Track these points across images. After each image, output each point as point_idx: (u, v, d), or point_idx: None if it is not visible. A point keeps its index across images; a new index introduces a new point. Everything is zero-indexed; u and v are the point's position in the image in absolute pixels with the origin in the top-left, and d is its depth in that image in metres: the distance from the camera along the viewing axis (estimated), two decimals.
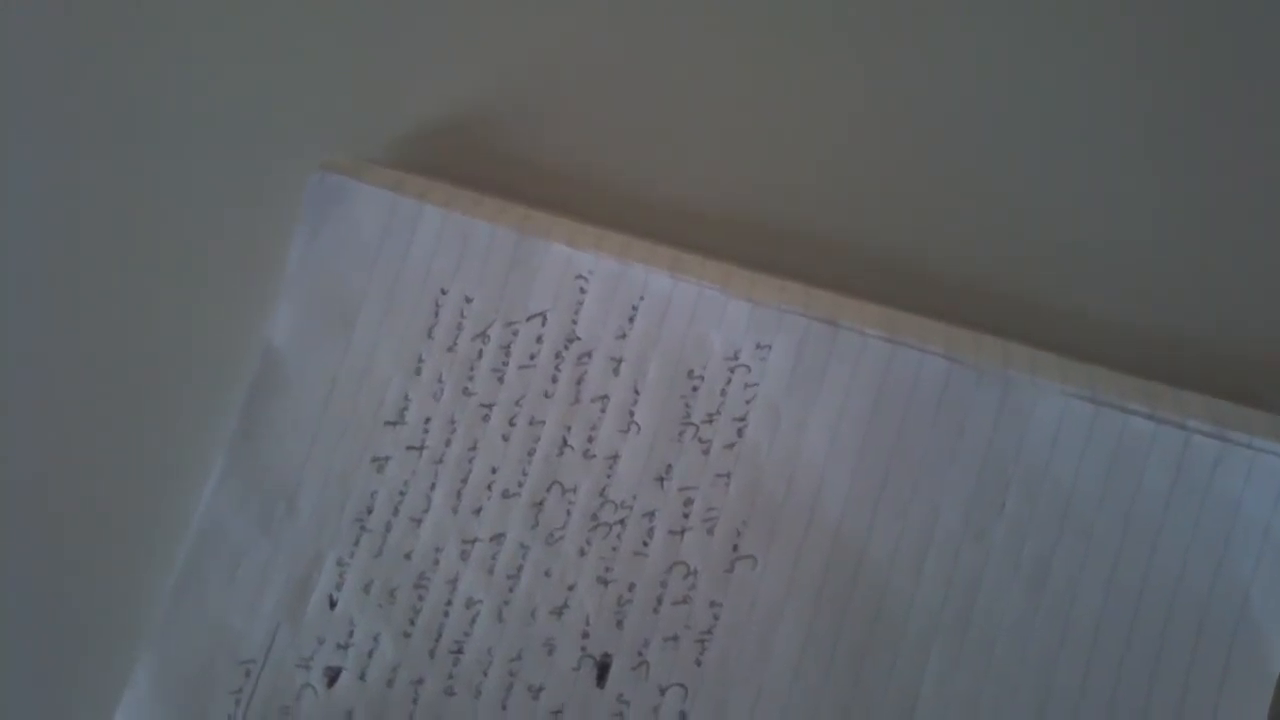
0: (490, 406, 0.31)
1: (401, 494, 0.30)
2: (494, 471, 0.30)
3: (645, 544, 0.30)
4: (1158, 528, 0.29)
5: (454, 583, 0.30)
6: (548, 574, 0.30)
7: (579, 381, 0.30)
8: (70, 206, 0.33)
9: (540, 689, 0.29)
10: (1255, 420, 0.29)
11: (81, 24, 0.34)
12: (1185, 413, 0.29)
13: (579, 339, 0.31)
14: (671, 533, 0.30)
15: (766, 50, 0.33)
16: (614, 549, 0.30)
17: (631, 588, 0.30)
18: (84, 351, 0.33)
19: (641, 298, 0.31)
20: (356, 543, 0.30)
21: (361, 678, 0.30)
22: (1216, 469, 0.29)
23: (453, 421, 0.31)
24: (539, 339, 0.31)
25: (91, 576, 0.32)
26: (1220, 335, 0.31)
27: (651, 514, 0.30)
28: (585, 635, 0.30)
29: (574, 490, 0.30)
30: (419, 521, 0.30)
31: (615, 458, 0.30)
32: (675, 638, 0.29)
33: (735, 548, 0.30)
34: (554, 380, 0.31)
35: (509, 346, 0.31)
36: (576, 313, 0.31)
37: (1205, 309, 0.31)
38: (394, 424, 0.31)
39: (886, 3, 0.32)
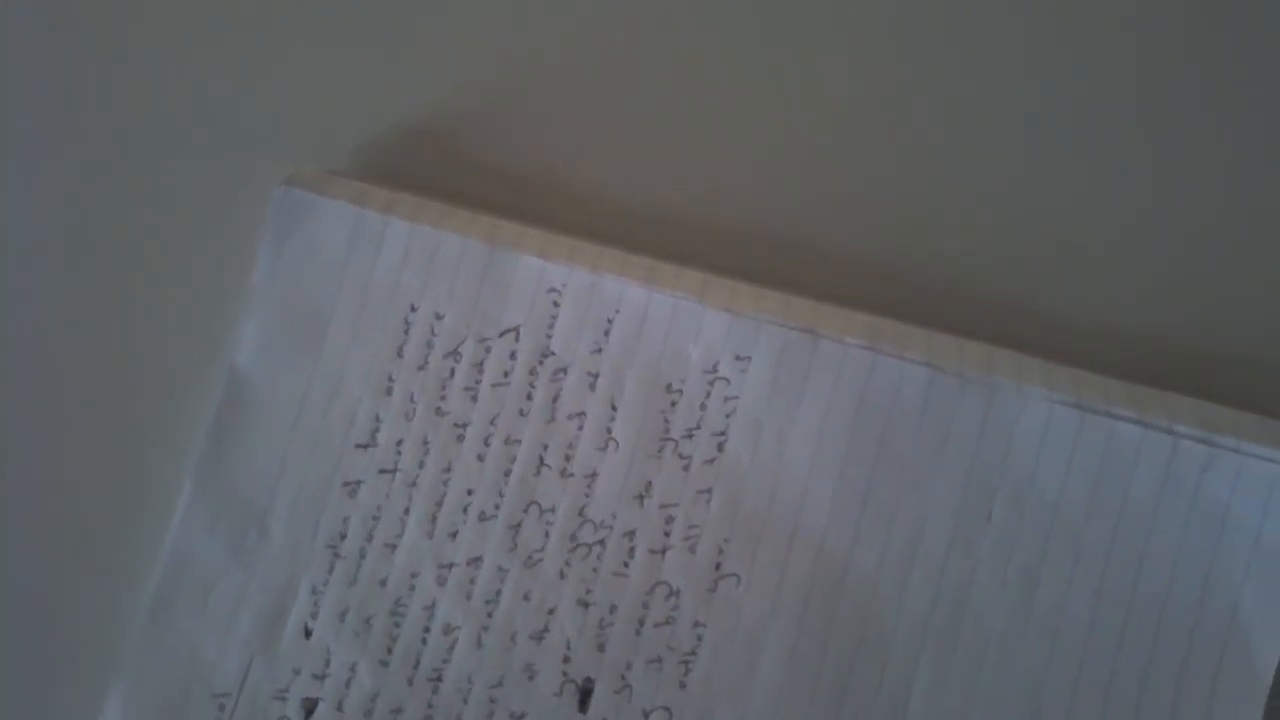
0: (464, 426, 0.30)
1: (375, 518, 0.30)
2: (469, 493, 0.30)
3: (626, 564, 0.29)
4: (1146, 534, 0.28)
5: (431, 609, 0.29)
6: (527, 597, 0.29)
7: (555, 398, 0.30)
8: (24, 222, 0.32)
9: (522, 715, 0.29)
10: (1244, 424, 0.29)
11: (33, 36, 0.33)
12: (1173, 417, 0.29)
13: (554, 354, 0.30)
14: (653, 552, 0.29)
15: (742, 51, 0.32)
16: (594, 570, 0.29)
17: (613, 609, 0.29)
18: (41, 373, 0.32)
19: (617, 310, 0.30)
20: (330, 569, 0.30)
21: (339, 708, 0.29)
22: (1205, 474, 0.28)
23: (425, 442, 0.30)
24: (512, 355, 0.30)
25: (59, 607, 0.31)
26: (1207, 337, 0.30)
27: (632, 533, 0.29)
28: (566, 659, 0.29)
29: (552, 510, 0.29)
30: (394, 547, 0.30)
31: (594, 476, 0.29)
32: (659, 660, 0.29)
33: (718, 566, 0.29)
34: (529, 398, 0.30)
35: (482, 364, 0.30)
36: (550, 327, 0.30)
37: (1192, 311, 0.30)
38: (365, 446, 0.30)
39: (862, 1, 0.31)
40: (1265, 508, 0.28)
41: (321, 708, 0.29)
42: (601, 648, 0.29)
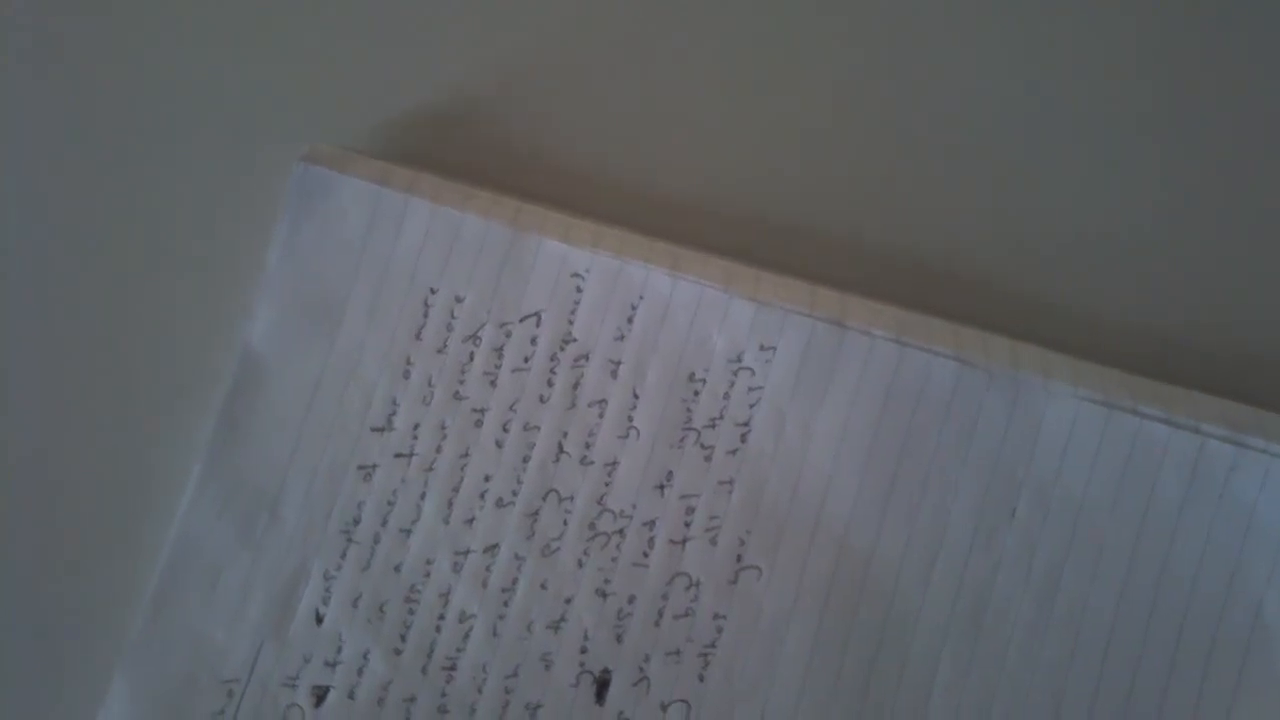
0: (483, 411, 0.29)
1: (390, 504, 0.29)
2: (487, 479, 0.29)
3: (645, 554, 0.29)
4: (1171, 534, 0.28)
5: (446, 596, 0.29)
6: (544, 586, 0.29)
7: (575, 385, 0.29)
8: (38, 203, 0.31)
9: (538, 706, 0.28)
10: (1271, 424, 0.28)
11: (50, 13, 0.32)
12: (1200, 416, 0.28)
13: (575, 340, 0.29)
14: (673, 542, 0.29)
15: (774, 39, 0.31)
16: (613, 560, 0.29)
17: (631, 600, 0.29)
18: (54, 353, 0.31)
19: (640, 297, 0.29)
20: (343, 555, 0.29)
21: (350, 696, 0.29)
22: (1231, 474, 0.28)
23: (443, 427, 0.29)
24: (533, 341, 0.29)
25: (65, 590, 0.30)
26: (1236, 336, 0.30)
27: (652, 523, 0.29)
28: (584, 650, 0.28)
29: (571, 499, 0.29)
30: (409, 532, 0.29)
31: (614, 465, 0.29)
32: (677, 652, 0.28)
33: (739, 558, 0.29)
34: (549, 384, 0.29)
35: (502, 348, 0.29)
36: (572, 313, 0.29)
37: (1220, 310, 0.30)
38: (381, 430, 0.29)
39: None
40: None
41: (332, 696, 0.29)
42: (619, 639, 0.28)
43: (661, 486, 0.29)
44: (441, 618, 0.29)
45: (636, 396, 0.29)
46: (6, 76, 0.32)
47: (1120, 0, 0.31)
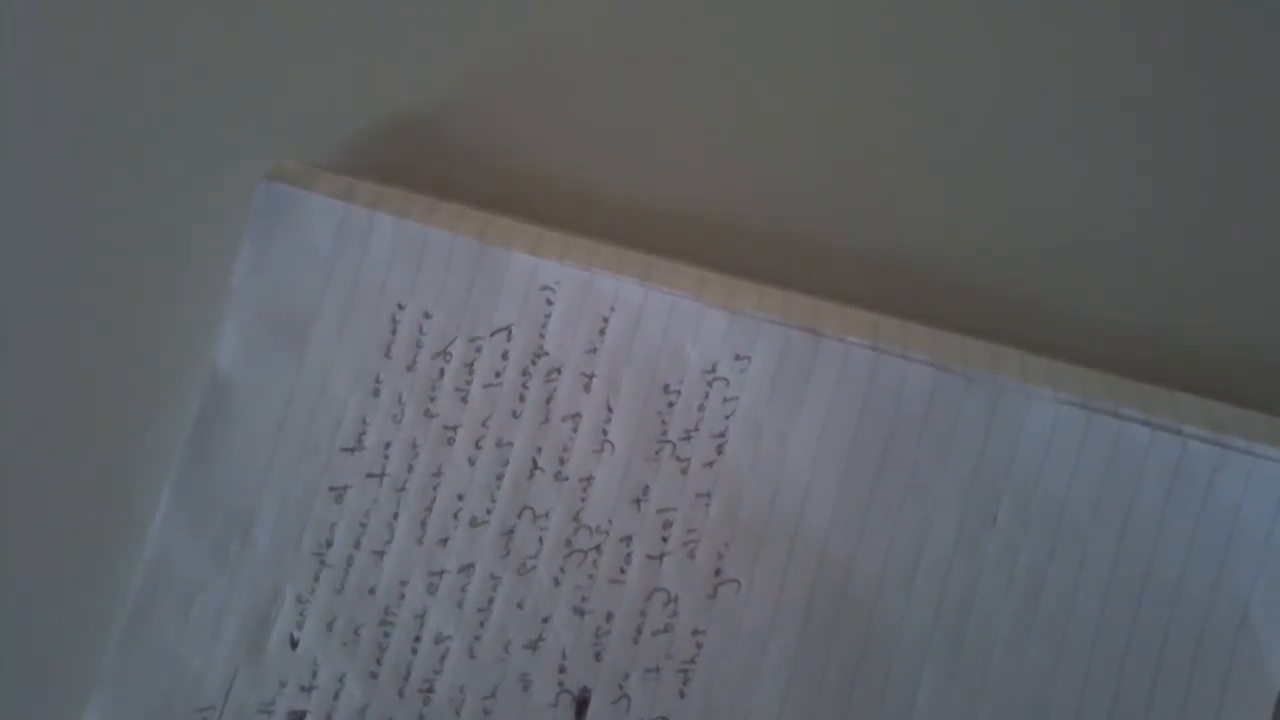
0: (454, 429, 0.29)
1: (362, 525, 0.29)
2: (460, 498, 0.29)
3: (623, 570, 0.28)
4: (1154, 537, 0.28)
5: (422, 618, 0.28)
6: (520, 605, 0.28)
7: (548, 400, 0.29)
8: None
9: None
10: (1254, 423, 0.28)
11: (10, 26, 0.31)
12: (1182, 417, 0.28)
13: (547, 354, 0.29)
14: (650, 558, 0.28)
15: (741, 40, 0.31)
16: (590, 577, 0.28)
17: (609, 617, 0.28)
18: (17, 375, 0.31)
19: (612, 309, 0.29)
20: (317, 578, 0.29)
21: None
22: (1215, 476, 0.28)
23: (414, 446, 0.29)
24: (504, 355, 0.29)
25: (36, 617, 0.30)
26: (1216, 336, 0.30)
27: (628, 538, 0.28)
28: (562, 669, 0.28)
29: (546, 516, 0.29)
30: (382, 554, 0.29)
31: (589, 480, 0.29)
32: (657, 669, 0.28)
33: (718, 571, 0.28)
34: (521, 399, 0.29)
35: (472, 364, 0.29)
36: (543, 326, 0.29)
37: (1201, 309, 0.30)
38: (352, 450, 0.29)
39: None
40: (1276, 510, 0.27)
41: None
42: (598, 657, 0.28)
43: (638, 501, 0.28)
44: (417, 639, 0.28)
45: (610, 410, 0.29)
46: None
47: (1110, 4, 0.30)
